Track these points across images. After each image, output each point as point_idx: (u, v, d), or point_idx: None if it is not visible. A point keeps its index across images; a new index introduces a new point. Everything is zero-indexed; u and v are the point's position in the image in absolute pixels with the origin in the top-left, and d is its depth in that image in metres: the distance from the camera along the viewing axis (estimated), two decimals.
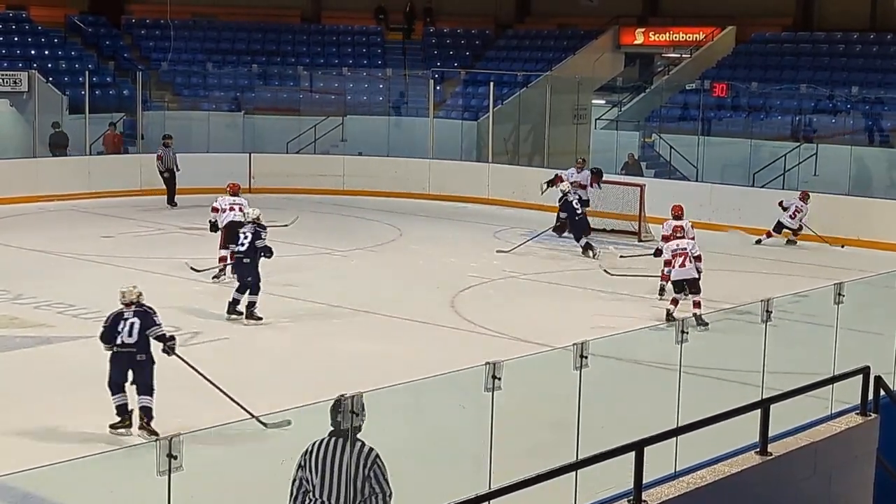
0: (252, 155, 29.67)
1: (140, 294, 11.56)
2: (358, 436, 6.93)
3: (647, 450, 7.06)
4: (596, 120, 32.23)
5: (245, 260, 16.09)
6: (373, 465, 6.86)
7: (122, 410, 11.16)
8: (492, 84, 30.92)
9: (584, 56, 34.89)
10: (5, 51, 31.50)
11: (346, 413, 6.87)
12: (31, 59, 31.03)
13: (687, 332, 9.49)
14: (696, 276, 15.78)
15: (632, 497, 7.09)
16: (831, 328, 11.21)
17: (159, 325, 11.60)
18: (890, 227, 23.22)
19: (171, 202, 26.46)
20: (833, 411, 9.67)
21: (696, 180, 27.22)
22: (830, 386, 9.66)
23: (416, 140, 30.82)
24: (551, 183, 23.89)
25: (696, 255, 16.13)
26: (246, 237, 16.19)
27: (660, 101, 32.60)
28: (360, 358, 14.12)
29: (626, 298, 17.74)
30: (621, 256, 16.10)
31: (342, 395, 6.99)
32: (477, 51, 37.16)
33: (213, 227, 18.91)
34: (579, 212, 21.83)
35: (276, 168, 29.51)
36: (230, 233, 18.01)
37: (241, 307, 16.03)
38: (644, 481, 7.12)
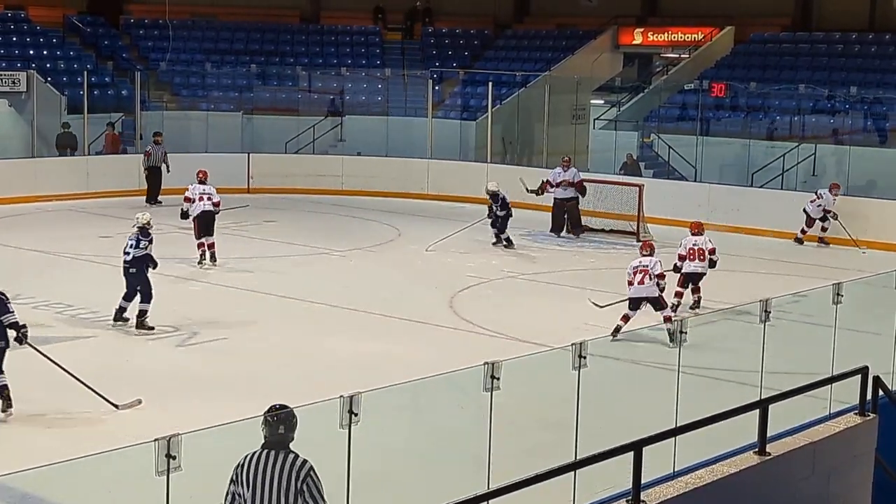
0: (251, 155, 29.69)
1: None
2: (292, 447, 6.80)
3: (645, 450, 7.07)
4: (595, 120, 32.23)
5: (131, 270, 15.42)
6: (305, 478, 6.69)
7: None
8: (490, 84, 30.92)
9: (582, 56, 34.89)
10: (4, 51, 31.48)
11: (284, 424, 6.77)
12: (29, 59, 31.02)
13: (685, 333, 9.50)
14: (656, 294, 15.24)
15: (630, 497, 7.10)
16: (830, 328, 11.22)
17: (12, 312, 11.72)
18: (888, 228, 23.22)
19: (153, 200, 26.27)
20: (832, 411, 9.67)
21: (695, 180, 27.23)
22: (829, 386, 9.66)
23: (414, 140, 30.81)
24: (540, 191, 23.88)
25: (709, 257, 16.87)
26: (130, 245, 15.64)
27: (658, 101, 32.60)
28: (358, 358, 14.12)
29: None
30: (600, 307, 15.85)
31: (273, 407, 6.89)
32: (475, 51, 37.17)
33: (184, 215, 19.91)
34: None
35: (274, 168, 29.51)
36: (202, 223, 19.43)
37: (129, 314, 15.38)
38: (643, 481, 7.12)
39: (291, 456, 6.76)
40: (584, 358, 8.71)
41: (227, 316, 16.18)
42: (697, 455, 8.47)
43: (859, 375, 9.12)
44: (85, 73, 29.41)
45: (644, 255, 15.53)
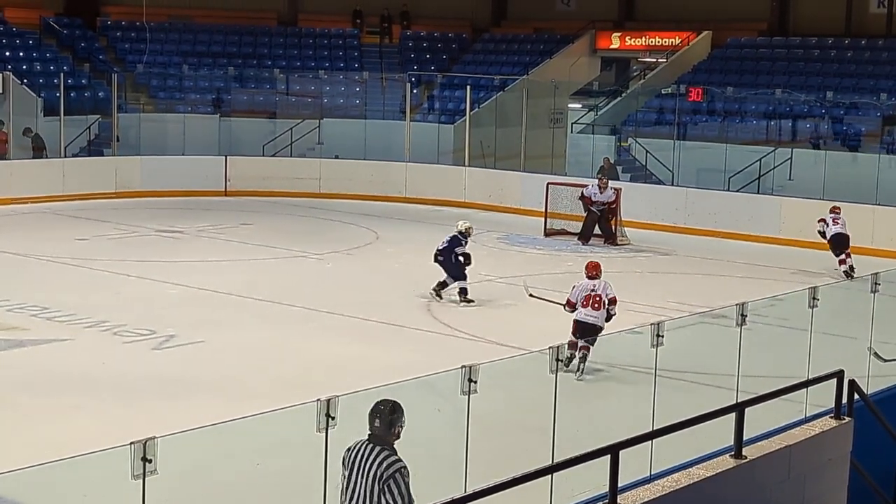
0: (228, 158, 29.62)
1: None
2: (395, 444, 6.92)
3: (622, 453, 7.07)
4: (572, 124, 32.33)
5: (440, 258, 17.62)
6: (390, 478, 6.80)
7: None
8: (468, 88, 30.95)
9: (560, 60, 34.99)
10: None
11: (379, 419, 6.88)
12: (5, 61, 30.86)
13: (662, 336, 9.52)
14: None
15: (607, 500, 7.10)
16: (806, 332, 11.26)
17: None
18: (864, 232, 23.31)
19: None
20: (807, 415, 9.70)
21: (672, 184, 27.32)
22: (805, 390, 9.69)
23: (392, 143, 30.82)
24: (587, 206, 23.67)
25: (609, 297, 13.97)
26: (443, 242, 17.46)
27: (636, 105, 32.71)
28: (335, 361, 14.10)
29: None
30: (530, 295, 15.48)
31: (381, 401, 6.99)
32: (453, 54, 37.21)
33: None
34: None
35: (252, 171, 29.47)
36: None
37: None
38: (619, 484, 7.13)
39: (385, 453, 6.86)
40: (562, 361, 8.73)
41: (203, 319, 16.13)
42: (674, 458, 8.49)
43: (835, 379, 9.15)
44: (61, 75, 29.27)
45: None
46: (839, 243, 20.61)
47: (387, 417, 6.91)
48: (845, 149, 28.11)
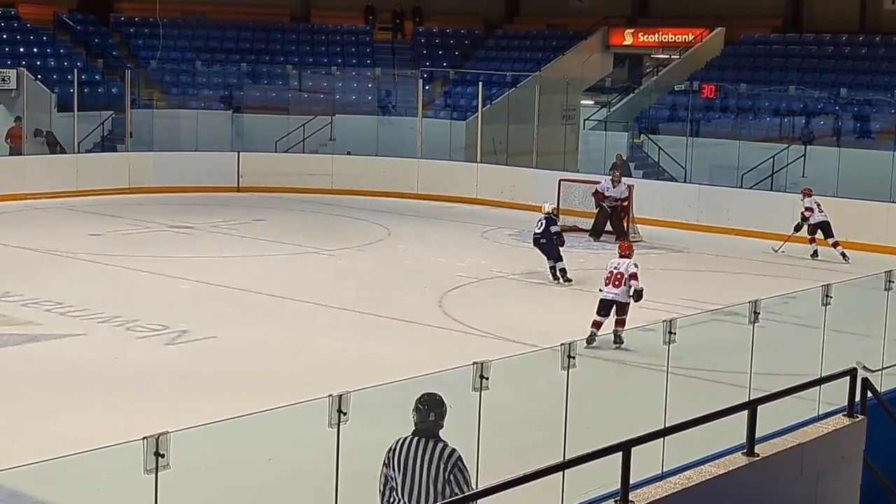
0: (241, 154, 29.66)
1: None
2: (440, 435, 6.92)
3: (634, 450, 7.06)
4: (585, 120, 32.27)
5: (542, 241, 18.74)
6: (453, 469, 6.82)
7: None
8: (480, 84, 30.95)
9: (573, 56, 34.93)
10: None
11: (426, 412, 6.89)
12: (19, 57, 30.93)
13: (675, 333, 9.50)
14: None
15: (619, 497, 7.09)
16: (819, 329, 11.23)
17: None
18: (878, 229, 23.28)
19: None
20: (820, 413, 9.68)
21: (685, 181, 27.26)
22: (818, 387, 9.67)
23: (404, 140, 30.82)
24: (598, 201, 23.82)
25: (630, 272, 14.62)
26: (539, 226, 18.60)
27: (648, 101, 32.65)
28: (347, 357, 14.12)
29: None
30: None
31: (424, 394, 6.99)
32: (466, 50, 37.17)
33: None
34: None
35: (264, 167, 29.51)
36: None
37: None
38: (631, 482, 7.12)
39: (441, 445, 6.88)
40: (574, 358, 8.71)
41: (216, 314, 16.16)
42: (686, 456, 8.47)
43: (848, 377, 9.13)
44: (75, 71, 29.35)
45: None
46: (826, 229, 21.86)
47: (435, 410, 6.93)
48: (859, 146, 27.99)
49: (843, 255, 21.58)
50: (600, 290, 14.90)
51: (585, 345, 13.37)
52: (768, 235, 23.85)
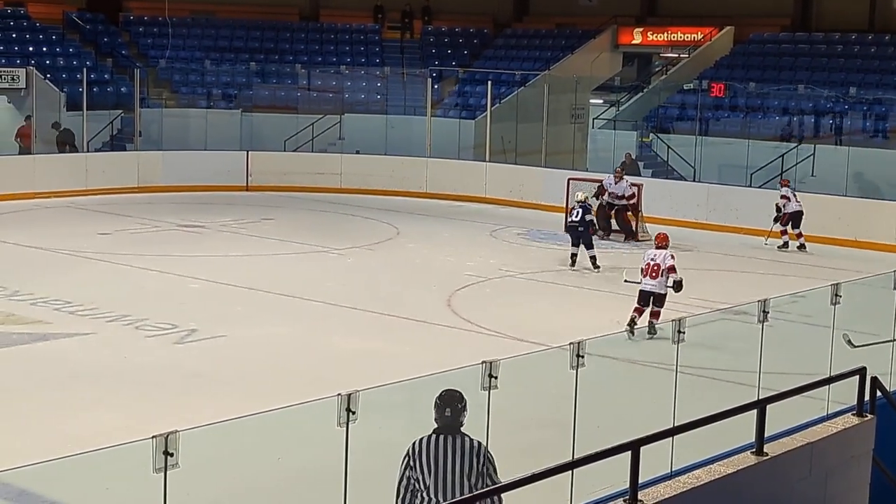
0: (250, 153, 29.69)
1: None
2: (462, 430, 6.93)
3: (643, 449, 7.05)
4: (594, 119, 32.26)
5: (579, 228, 19.54)
6: (485, 461, 6.86)
7: None
8: (489, 83, 30.95)
9: (582, 55, 34.91)
10: (3, 47, 31.45)
11: (448, 409, 6.89)
12: (28, 56, 31.01)
13: (684, 332, 9.49)
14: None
15: (628, 496, 7.08)
16: (828, 329, 11.21)
17: None
18: (887, 228, 23.23)
19: None
20: (829, 412, 9.67)
21: (694, 180, 27.24)
22: (827, 386, 9.65)
23: (413, 139, 30.82)
24: (599, 194, 23.81)
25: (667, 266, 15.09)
26: (576, 214, 19.45)
27: (657, 100, 32.62)
28: (356, 356, 14.12)
29: (623, 298, 17.71)
30: (626, 281, 15.97)
31: (443, 391, 6.99)
32: (475, 50, 37.18)
33: None
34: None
35: (273, 166, 29.53)
36: None
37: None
38: (640, 481, 7.11)
39: (467, 439, 6.90)
40: (582, 357, 8.70)
41: (225, 313, 16.18)
42: (695, 455, 8.47)
43: (857, 376, 9.11)
44: (84, 70, 29.38)
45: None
46: (797, 219, 22.72)
47: (451, 406, 6.93)
48: (869, 145, 27.92)
49: (802, 245, 22.68)
50: (626, 281, 15.58)
51: (626, 328, 14.54)
52: (777, 234, 23.82)
